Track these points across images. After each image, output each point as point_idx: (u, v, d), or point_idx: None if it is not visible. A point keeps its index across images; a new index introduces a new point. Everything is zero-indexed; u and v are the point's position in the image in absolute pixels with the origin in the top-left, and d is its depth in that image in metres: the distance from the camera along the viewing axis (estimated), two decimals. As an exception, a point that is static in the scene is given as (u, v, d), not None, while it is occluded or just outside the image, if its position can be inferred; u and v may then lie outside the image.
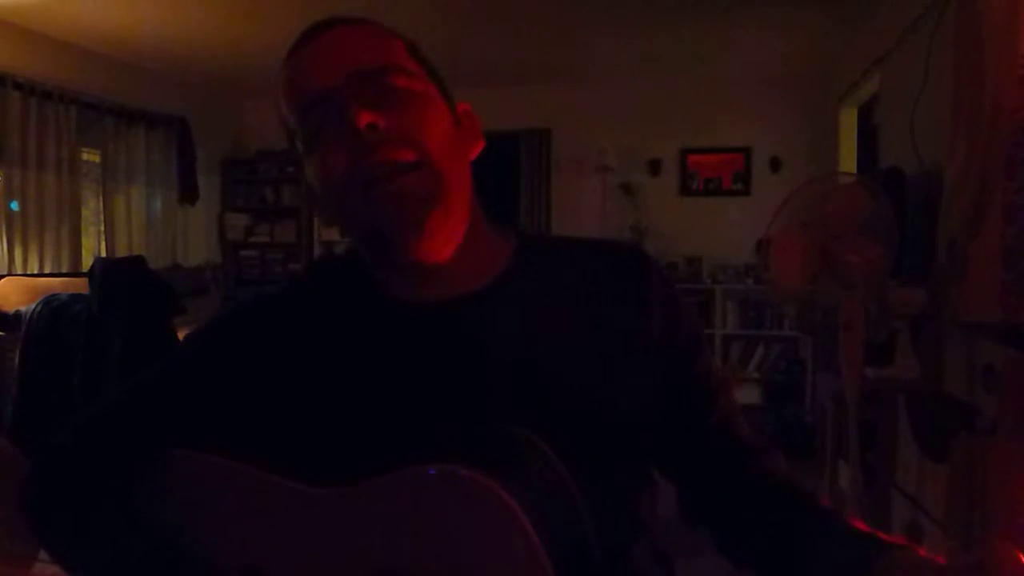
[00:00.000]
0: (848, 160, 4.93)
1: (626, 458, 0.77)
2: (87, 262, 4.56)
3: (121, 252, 5.04)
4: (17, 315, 3.56)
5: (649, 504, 0.81)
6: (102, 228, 5.14)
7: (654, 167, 5.79)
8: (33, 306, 3.50)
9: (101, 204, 5.14)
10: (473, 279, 0.77)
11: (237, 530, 0.72)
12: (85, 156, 5.02)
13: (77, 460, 0.77)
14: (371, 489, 0.64)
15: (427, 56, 0.80)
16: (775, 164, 5.62)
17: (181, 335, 3.22)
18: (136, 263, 3.72)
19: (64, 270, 4.57)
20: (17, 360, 3.39)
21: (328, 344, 0.77)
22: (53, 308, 3.45)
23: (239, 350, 0.79)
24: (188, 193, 5.71)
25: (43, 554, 0.80)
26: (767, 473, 0.79)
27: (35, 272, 4.41)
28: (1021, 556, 0.55)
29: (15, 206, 4.38)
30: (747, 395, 5.29)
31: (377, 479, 0.64)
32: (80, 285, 3.74)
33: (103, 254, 4.98)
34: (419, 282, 0.76)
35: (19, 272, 4.32)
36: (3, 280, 4.01)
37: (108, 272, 3.43)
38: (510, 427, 0.67)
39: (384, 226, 0.71)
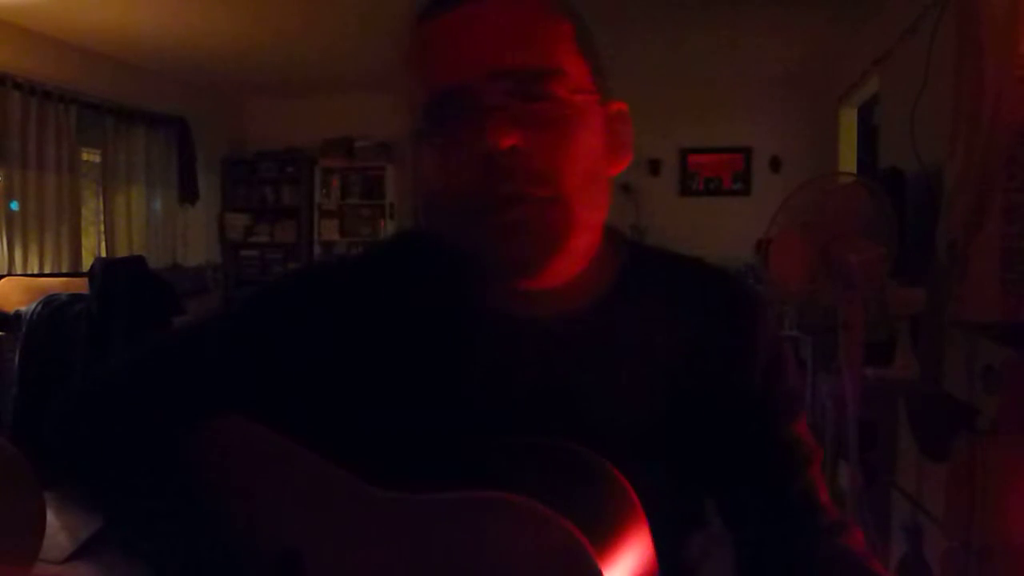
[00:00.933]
0: (848, 160, 4.93)
1: (688, 498, 0.74)
2: (87, 262, 4.56)
3: (121, 252, 5.05)
4: (17, 315, 3.56)
5: (698, 548, 0.76)
6: (102, 228, 5.14)
7: (654, 167, 5.80)
8: (33, 306, 3.50)
9: (101, 204, 5.14)
10: (577, 296, 0.70)
11: (280, 509, 0.68)
12: (85, 156, 5.02)
13: (129, 391, 0.72)
14: (437, 504, 0.60)
15: (592, 36, 0.68)
16: (775, 164, 5.62)
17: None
18: (136, 263, 3.72)
19: (64, 270, 4.57)
20: (17, 360, 3.39)
21: (397, 331, 0.71)
22: (53, 308, 3.45)
23: (306, 315, 0.72)
24: (188, 193, 5.72)
25: (43, 554, 0.78)
26: (840, 552, 0.72)
27: (35, 272, 4.42)
28: None
29: (15, 206, 4.38)
30: (747, 395, 5.28)
31: (445, 494, 0.60)
32: (80, 285, 3.74)
33: (103, 254, 4.98)
34: (512, 296, 0.69)
35: (19, 272, 4.32)
36: (3, 280, 4.01)
37: (108, 272, 3.43)
38: (593, 455, 0.63)
39: (499, 256, 0.63)
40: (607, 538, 0.58)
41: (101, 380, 0.75)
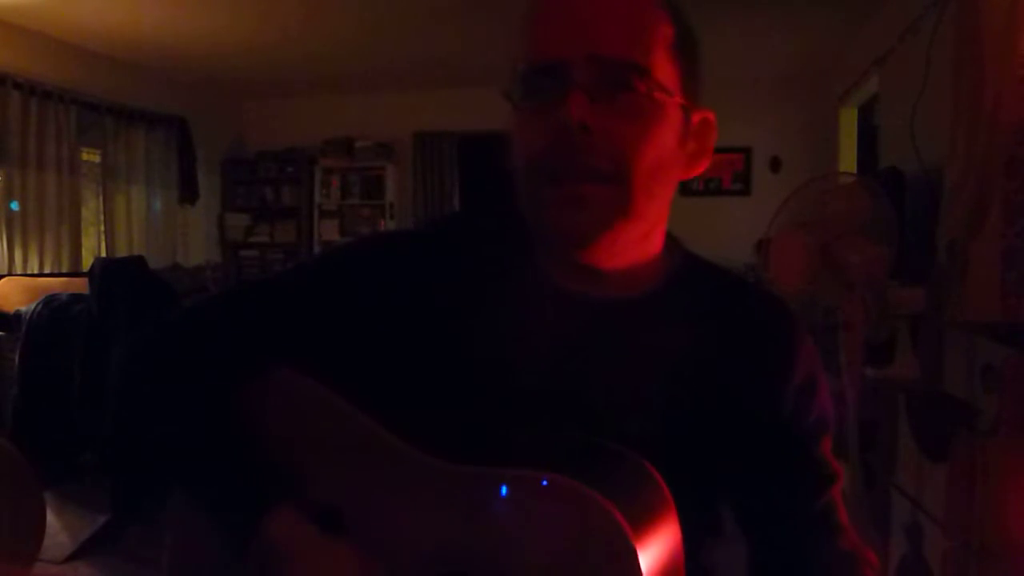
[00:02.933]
0: (848, 160, 4.93)
1: (706, 504, 0.76)
2: (87, 262, 4.56)
3: (121, 252, 5.05)
4: (17, 315, 3.56)
5: (709, 551, 0.78)
6: (102, 228, 5.14)
7: (654, 167, 5.80)
8: (33, 306, 3.49)
9: (101, 204, 5.14)
10: (629, 285, 0.74)
11: (327, 466, 0.70)
12: (85, 156, 5.03)
13: (188, 340, 0.75)
14: (486, 479, 0.63)
15: (695, 44, 0.73)
16: (775, 164, 5.62)
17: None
18: (136, 263, 3.71)
19: (64, 270, 4.57)
20: (17, 360, 3.39)
21: (461, 303, 0.75)
22: (53, 308, 3.45)
23: (376, 281, 0.76)
24: (188, 193, 5.72)
25: (43, 554, 0.79)
26: (854, 572, 0.75)
27: (35, 272, 4.42)
28: None
29: (15, 206, 4.38)
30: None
31: (494, 471, 0.63)
32: (80, 285, 3.74)
33: (103, 254, 4.99)
34: (575, 272, 0.73)
35: (19, 272, 4.32)
36: (3, 280, 4.01)
37: (108, 272, 3.43)
38: (612, 444, 0.66)
39: (556, 224, 0.68)
40: (644, 526, 0.60)
41: (169, 323, 0.77)
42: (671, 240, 0.80)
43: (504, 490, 0.62)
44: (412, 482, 0.66)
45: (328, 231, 6.32)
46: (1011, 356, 1.73)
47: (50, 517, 2.13)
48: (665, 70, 0.68)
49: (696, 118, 0.73)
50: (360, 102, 6.22)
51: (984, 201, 1.85)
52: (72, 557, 2.73)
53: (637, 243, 0.72)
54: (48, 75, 4.54)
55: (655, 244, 0.75)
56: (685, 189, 5.79)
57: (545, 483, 0.60)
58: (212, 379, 0.73)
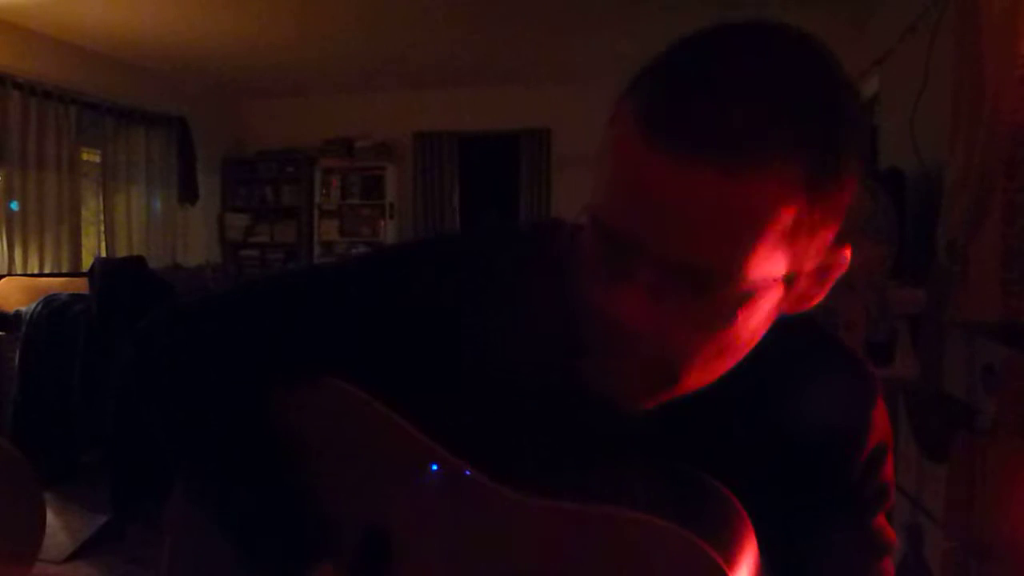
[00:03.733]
0: (848, 160, 4.92)
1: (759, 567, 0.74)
2: (87, 262, 4.56)
3: (121, 252, 5.05)
4: (17, 315, 3.56)
5: None
6: (102, 228, 5.14)
7: (654, 167, 5.80)
8: (33, 306, 3.49)
9: (101, 204, 5.14)
10: None
11: (371, 481, 0.65)
12: (85, 156, 5.03)
13: (224, 334, 0.68)
14: (552, 511, 0.58)
15: (842, 199, 0.58)
16: (775, 164, 5.62)
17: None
18: (136, 263, 3.71)
19: (64, 270, 4.57)
20: (17, 360, 3.39)
21: (505, 323, 0.66)
22: (53, 308, 3.45)
23: (443, 288, 0.68)
24: (188, 193, 5.72)
25: (43, 554, 0.78)
26: None
27: (35, 272, 4.42)
28: None
29: (15, 206, 4.38)
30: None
31: (562, 503, 0.58)
32: (80, 285, 3.74)
33: (103, 254, 4.99)
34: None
35: (19, 272, 4.32)
36: (3, 280, 4.01)
37: (108, 272, 3.43)
38: (694, 471, 0.61)
39: (594, 380, 0.59)
40: (733, 556, 0.56)
41: (195, 320, 0.71)
42: None
43: (596, 530, 0.56)
44: (476, 510, 0.60)
45: (328, 231, 6.32)
46: (1011, 356, 1.73)
47: (50, 517, 2.13)
48: (769, 261, 0.53)
49: (814, 266, 0.58)
50: (360, 102, 6.22)
51: (984, 201, 1.85)
52: (72, 557, 2.73)
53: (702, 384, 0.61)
54: (48, 75, 4.54)
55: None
56: (685, 189, 5.79)
57: (647, 528, 0.54)
58: (241, 386, 0.67)
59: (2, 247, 4.30)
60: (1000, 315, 1.81)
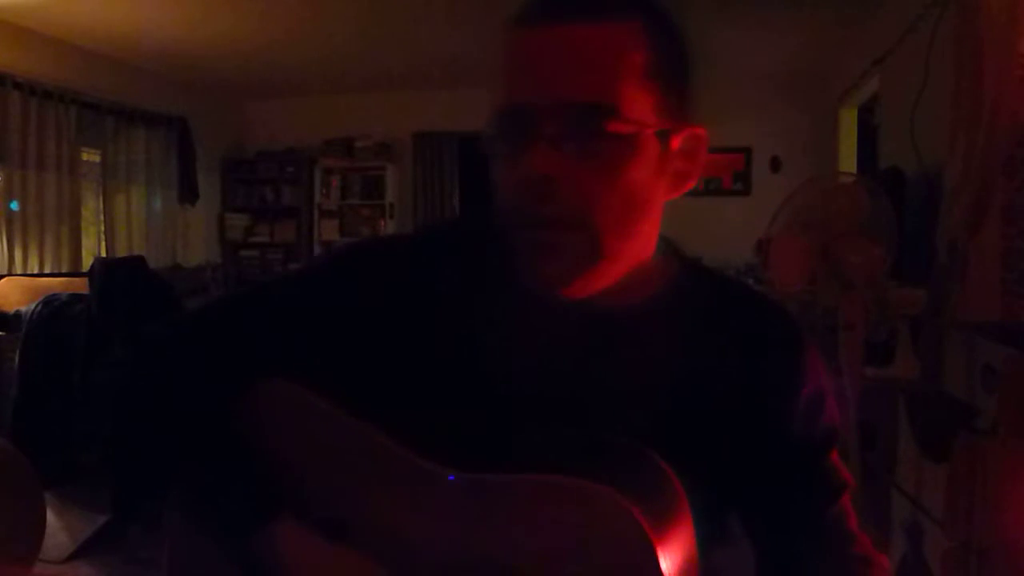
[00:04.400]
0: (848, 160, 4.92)
1: (712, 513, 0.74)
2: (87, 262, 4.56)
3: (121, 252, 5.05)
4: (17, 315, 3.56)
5: (720, 556, 0.77)
6: (102, 228, 5.14)
7: (654, 167, 5.80)
8: (33, 306, 3.49)
9: (101, 204, 5.14)
10: (623, 294, 0.72)
11: (329, 477, 0.70)
12: (85, 156, 5.02)
13: (187, 350, 0.76)
14: (489, 485, 0.62)
15: (680, 58, 0.71)
16: (775, 164, 5.62)
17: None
18: (136, 263, 3.71)
19: (64, 270, 4.57)
20: (17, 360, 3.39)
21: (455, 313, 0.74)
22: (53, 308, 3.45)
23: (371, 288, 0.76)
24: (188, 193, 5.72)
25: (43, 554, 0.78)
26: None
27: (35, 272, 4.42)
28: None
29: (15, 206, 4.38)
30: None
31: (497, 476, 0.62)
32: (80, 285, 3.74)
33: (103, 254, 4.99)
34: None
35: (19, 272, 4.32)
36: (3, 280, 4.01)
37: (108, 272, 3.43)
38: (618, 436, 0.65)
39: (528, 269, 0.68)
40: (662, 524, 0.59)
41: (161, 337, 0.78)
42: (667, 245, 0.78)
43: (518, 495, 0.61)
44: (418, 490, 0.65)
45: (328, 231, 6.32)
46: (1011, 356, 1.73)
47: (50, 517, 2.13)
48: (638, 101, 0.65)
49: (679, 138, 0.71)
50: (360, 102, 6.22)
51: (984, 201, 1.85)
52: (72, 557, 2.73)
53: (621, 271, 0.70)
54: (48, 75, 4.54)
55: (645, 254, 0.73)
56: (685, 189, 5.79)
57: (561, 486, 0.59)
58: (208, 393, 0.73)
59: (2, 247, 4.30)
60: (1000, 315, 1.81)
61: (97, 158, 5.12)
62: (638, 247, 0.71)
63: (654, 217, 0.71)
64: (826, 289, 2.36)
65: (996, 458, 1.71)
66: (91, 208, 5.16)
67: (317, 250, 6.31)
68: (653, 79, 0.67)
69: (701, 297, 0.76)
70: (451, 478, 0.64)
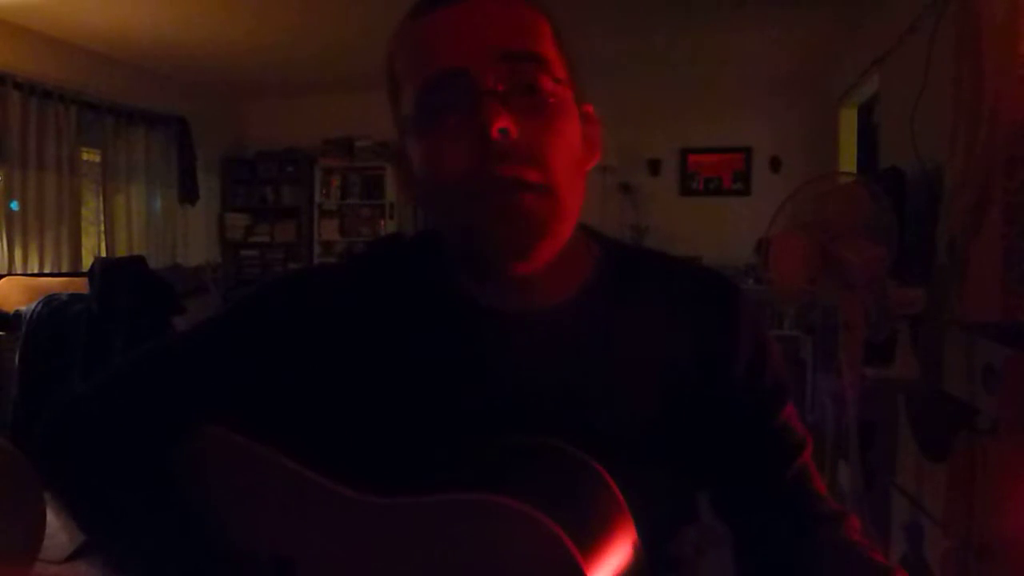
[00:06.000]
0: (848, 160, 4.93)
1: (678, 493, 0.74)
2: (87, 262, 4.57)
3: (121, 252, 5.05)
4: (17, 315, 3.56)
5: (692, 543, 0.77)
6: (102, 228, 5.14)
7: (654, 167, 5.80)
8: (33, 306, 3.50)
9: (101, 204, 5.14)
10: (555, 290, 0.71)
11: (268, 518, 0.69)
12: (85, 156, 5.02)
13: (108, 410, 0.71)
14: (416, 507, 0.62)
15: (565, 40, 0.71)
16: (775, 164, 5.62)
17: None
18: (136, 263, 3.72)
19: (64, 270, 4.57)
20: (17, 360, 3.39)
21: (385, 335, 0.72)
22: (53, 308, 3.45)
23: (289, 322, 0.73)
24: (188, 193, 5.72)
25: (43, 554, 0.78)
26: (837, 539, 0.73)
27: (35, 272, 4.42)
28: None
29: (15, 206, 4.38)
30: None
31: (423, 498, 0.61)
32: (80, 285, 3.74)
33: (103, 254, 4.98)
34: (501, 289, 0.71)
35: (19, 272, 4.32)
36: (3, 280, 4.01)
37: (108, 272, 3.43)
38: (553, 441, 0.64)
39: (487, 241, 0.65)
40: (592, 537, 0.58)
41: (86, 395, 0.74)
42: (590, 232, 0.77)
43: (442, 516, 0.60)
44: (357, 522, 0.64)
45: (328, 231, 6.32)
46: (1011, 356, 1.73)
47: (50, 517, 2.13)
48: (558, 63, 0.67)
49: (584, 110, 0.72)
50: (360, 102, 6.20)
51: (984, 201, 1.85)
52: (72, 557, 2.73)
53: (557, 250, 0.68)
54: (48, 75, 4.54)
55: (572, 244, 0.72)
56: (685, 189, 5.79)
57: (483, 504, 0.58)
58: (139, 451, 0.70)
59: (2, 247, 4.30)
60: (1000, 315, 1.81)
61: (97, 158, 5.12)
62: (577, 211, 0.70)
63: (583, 182, 0.70)
64: (826, 289, 2.36)
65: (996, 458, 1.71)
66: (91, 208, 5.16)
67: (317, 250, 6.31)
68: (559, 45, 0.69)
69: (630, 277, 0.75)
70: (371, 503, 0.63)
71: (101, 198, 5.14)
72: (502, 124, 0.61)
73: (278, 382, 0.72)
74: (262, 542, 0.68)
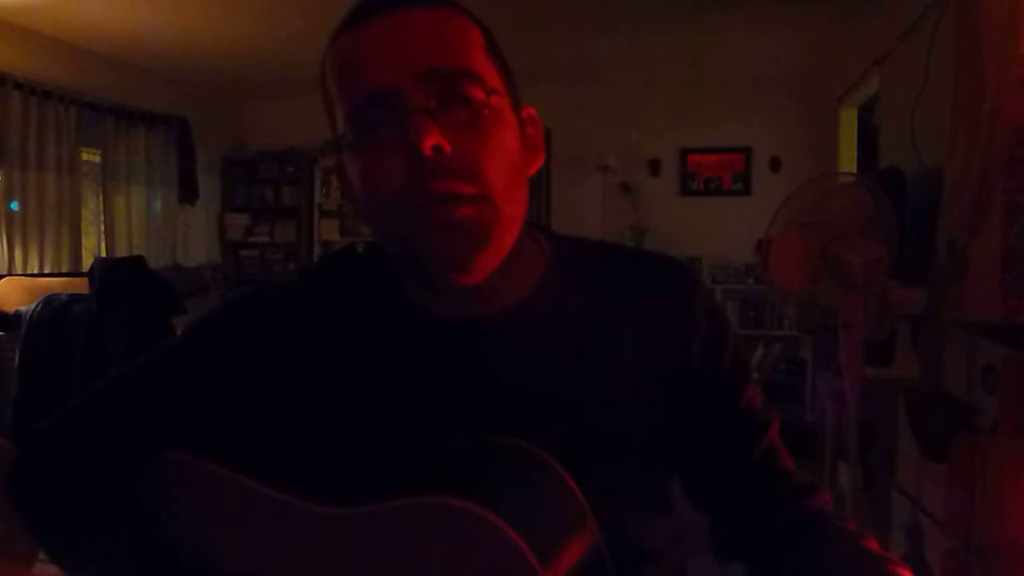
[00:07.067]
0: (848, 160, 4.93)
1: (645, 484, 0.74)
2: (87, 262, 4.56)
3: (121, 252, 5.05)
4: (17, 315, 3.56)
5: (667, 533, 0.77)
6: (102, 228, 5.14)
7: (654, 167, 5.79)
8: (33, 306, 3.50)
9: (101, 204, 5.14)
10: (506, 293, 0.72)
11: (233, 539, 0.69)
12: (85, 156, 5.02)
13: (68, 446, 0.72)
14: (374, 515, 0.62)
15: (498, 43, 0.71)
16: (775, 164, 5.62)
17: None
18: (136, 263, 3.72)
19: (64, 270, 4.56)
20: (17, 360, 3.39)
21: (340, 350, 0.72)
22: (53, 308, 3.45)
23: (243, 345, 0.73)
24: (188, 193, 5.71)
25: (43, 554, 0.78)
26: (809, 513, 0.74)
27: (35, 272, 4.41)
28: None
29: (15, 206, 4.38)
30: (747, 395, 5.28)
31: (380, 504, 0.61)
32: (80, 285, 3.74)
33: (103, 254, 4.98)
34: (449, 298, 0.71)
35: (19, 272, 4.32)
36: (3, 280, 4.01)
37: (108, 272, 3.43)
38: (510, 440, 0.64)
39: (427, 253, 0.65)
40: (544, 533, 0.58)
41: (49, 429, 0.74)
42: (537, 229, 0.78)
43: (396, 522, 0.60)
44: (315, 535, 0.64)
45: (328, 231, 6.32)
46: (1011, 356, 1.73)
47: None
48: (490, 73, 0.67)
49: (524, 115, 0.72)
50: (360, 102, 6.23)
51: (984, 201, 1.85)
52: (72, 557, 2.73)
53: (501, 257, 0.68)
54: (48, 75, 4.54)
55: (520, 247, 0.72)
56: (685, 189, 5.79)
57: (434, 507, 0.58)
58: (102, 480, 0.70)
59: (2, 247, 4.30)
60: (1000, 315, 1.81)
61: (97, 158, 5.12)
62: (519, 217, 0.70)
63: (525, 188, 0.71)
64: (826, 289, 2.36)
65: (996, 458, 1.71)
66: (91, 208, 5.16)
67: (317, 250, 6.31)
68: (492, 55, 0.69)
69: (579, 271, 0.76)
70: (329, 514, 0.63)
71: (101, 198, 5.14)
72: (433, 141, 0.61)
73: (238, 402, 0.72)
74: (227, 563, 0.69)
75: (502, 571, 0.56)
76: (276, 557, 0.67)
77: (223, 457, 0.68)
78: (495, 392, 0.70)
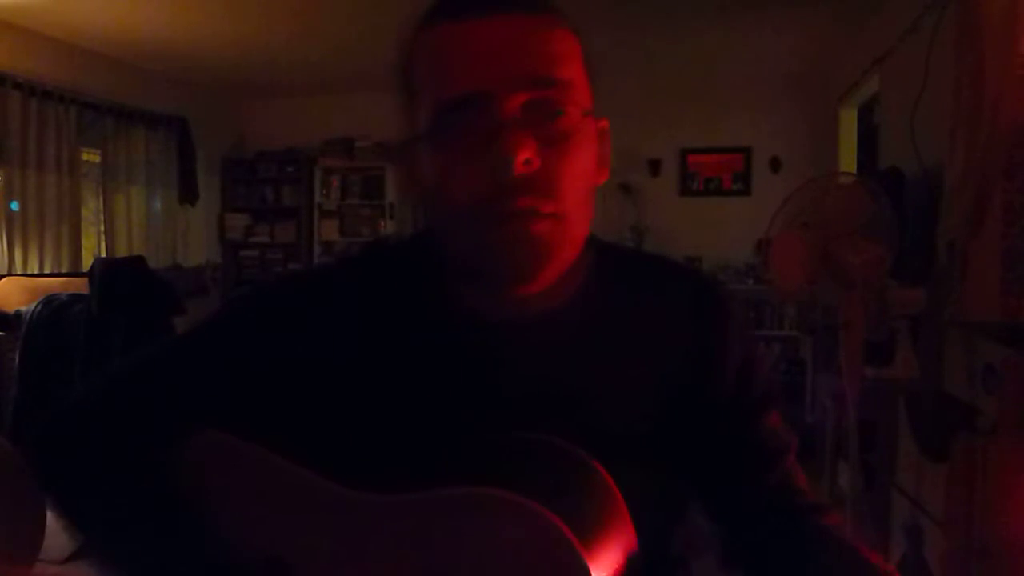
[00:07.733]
0: (848, 160, 4.93)
1: (669, 492, 0.75)
2: (87, 262, 4.56)
3: (121, 252, 5.05)
4: (17, 315, 3.56)
5: (682, 542, 0.78)
6: (102, 228, 5.14)
7: (654, 167, 5.79)
8: (33, 306, 3.50)
9: (101, 204, 5.14)
10: (550, 298, 0.71)
11: (264, 519, 0.69)
12: (85, 156, 5.02)
13: (104, 412, 0.71)
14: (415, 503, 0.62)
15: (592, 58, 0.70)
16: (775, 164, 5.62)
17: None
18: (136, 263, 3.72)
19: (64, 270, 4.57)
20: (17, 360, 3.39)
21: (384, 340, 0.72)
22: (53, 308, 3.45)
23: (288, 322, 0.73)
24: (188, 193, 5.72)
25: (43, 554, 0.78)
26: (821, 533, 0.74)
27: (35, 272, 4.42)
28: None
29: (15, 206, 4.38)
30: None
31: (421, 494, 0.62)
32: (80, 285, 3.74)
33: (103, 254, 4.98)
34: (498, 298, 0.71)
35: (19, 272, 4.32)
36: (3, 280, 4.01)
37: (108, 272, 3.43)
38: (576, 449, 0.64)
39: (495, 264, 0.65)
40: (592, 531, 0.59)
41: (78, 402, 0.74)
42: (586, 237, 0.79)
43: (440, 511, 0.60)
44: (353, 521, 0.64)
45: (328, 231, 6.32)
46: (1011, 356, 1.73)
47: (50, 517, 2.13)
48: (584, 88, 0.66)
49: (601, 127, 0.70)
50: (360, 102, 6.22)
51: (984, 201, 1.85)
52: (72, 557, 2.73)
53: (571, 256, 0.69)
54: (48, 75, 4.54)
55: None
56: (685, 189, 5.79)
57: (482, 497, 0.58)
58: (137, 454, 0.70)
59: (2, 247, 4.30)
60: (1000, 315, 1.81)
61: (97, 158, 5.12)
62: (584, 234, 0.70)
63: (592, 205, 0.70)
64: (826, 289, 2.36)
65: (996, 458, 1.71)
66: (91, 208, 5.16)
67: (317, 250, 6.31)
68: (587, 67, 0.68)
69: (623, 281, 0.76)
70: (368, 501, 0.63)
71: (101, 198, 5.14)
72: (525, 156, 0.60)
73: (278, 382, 0.72)
74: (260, 544, 0.69)
75: (549, 561, 0.56)
76: (308, 539, 0.67)
77: (261, 436, 0.69)
78: (529, 392, 0.70)
